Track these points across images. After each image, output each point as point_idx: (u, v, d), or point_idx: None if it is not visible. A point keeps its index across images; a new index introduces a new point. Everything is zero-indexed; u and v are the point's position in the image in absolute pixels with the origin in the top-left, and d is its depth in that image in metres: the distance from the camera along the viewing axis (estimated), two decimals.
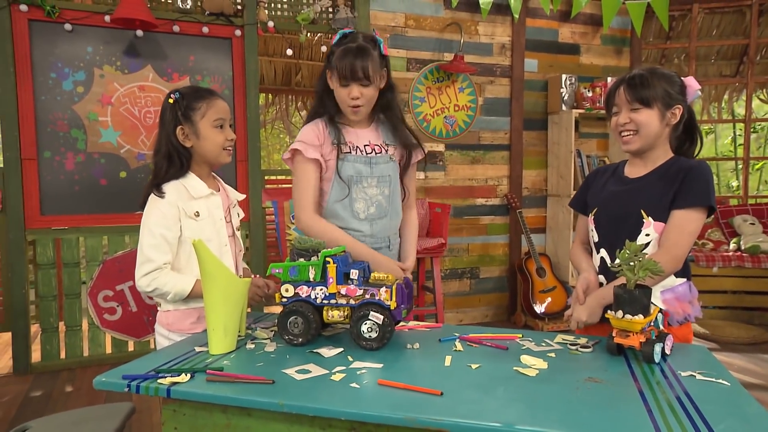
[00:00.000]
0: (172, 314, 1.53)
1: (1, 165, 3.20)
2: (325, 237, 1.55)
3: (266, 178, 3.77)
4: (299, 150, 1.65)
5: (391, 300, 1.30)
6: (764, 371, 3.35)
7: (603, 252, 1.58)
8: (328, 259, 1.34)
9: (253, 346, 1.34)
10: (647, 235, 1.49)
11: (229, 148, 1.60)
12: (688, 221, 1.45)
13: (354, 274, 1.34)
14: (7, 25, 3.11)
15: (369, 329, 1.30)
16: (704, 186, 1.45)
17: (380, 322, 1.29)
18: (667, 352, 1.26)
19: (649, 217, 1.49)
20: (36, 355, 3.35)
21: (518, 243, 4.44)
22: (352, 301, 1.33)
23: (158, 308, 1.56)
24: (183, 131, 1.53)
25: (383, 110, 1.74)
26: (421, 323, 1.56)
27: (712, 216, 1.45)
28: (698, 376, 1.14)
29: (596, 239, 1.61)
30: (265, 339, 1.39)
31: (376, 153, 1.73)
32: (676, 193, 1.46)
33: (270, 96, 5.55)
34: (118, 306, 3.37)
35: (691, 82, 1.52)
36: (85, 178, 3.32)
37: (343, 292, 1.33)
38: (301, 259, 1.39)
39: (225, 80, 3.58)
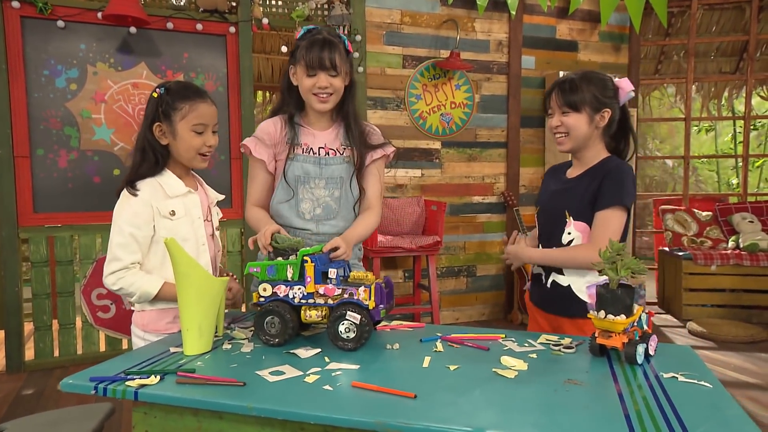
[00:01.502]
0: (148, 314, 1.51)
1: None
2: (251, 223, 1.67)
3: None
4: (248, 147, 1.69)
5: (369, 299, 1.28)
6: (762, 370, 3.31)
7: (541, 247, 1.71)
8: (306, 258, 1.32)
9: (229, 346, 1.32)
10: (569, 233, 1.59)
11: (207, 153, 1.54)
12: (608, 220, 1.54)
13: (332, 273, 1.32)
14: None
15: (346, 329, 1.28)
16: (619, 187, 1.54)
17: (358, 322, 1.27)
18: (651, 352, 1.24)
19: (570, 217, 1.59)
20: (30, 353, 3.34)
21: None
22: (330, 301, 1.31)
23: (132, 308, 1.54)
24: (160, 128, 1.49)
25: (345, 108, 1.71)
26: (405, 323, 1.54)
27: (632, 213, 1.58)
28: (681, 378, 1.12)
29: (537, 235, 1.76)
30: (243, 339, 1.37)
31: (329, 156, 1.70)
32: (596, 195, 1.56)
33: (267, 93, 5.53)
34: (111, 304, 3.36)
35: (623, 84, 1.60)
36: (78, 176, 3.31)
37: (321, 291, 1.31)
38: (280, 258, 1.37)
39: (219, 77, 3.56)
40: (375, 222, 1.73)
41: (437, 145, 4.20)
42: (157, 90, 1.50)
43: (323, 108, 1.66)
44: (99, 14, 3.21)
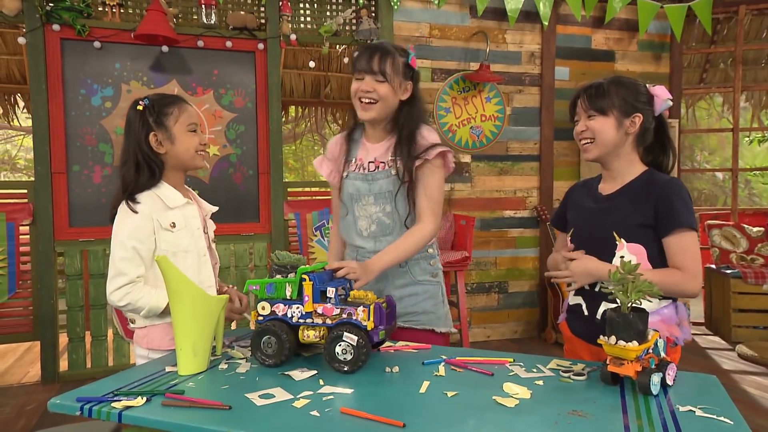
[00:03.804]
0: (152, 331, 1.50)
1: (33, 179, 3.30)
2: None
3: (289, 190, 3.76)
4: (315, 165, 1.80)
5: (368, 320, 1.24)
6: None
7: None
8: (304, 276, 1.29)
9: (226, 366, 1.30)
10: (622, 257, 1.42)
11: (203, 152, 1.57)
12: (686, 245, 1.40)
13: (330, 292, 1.28)
14: (41, 45, 3.22)
15: (343, 351, 1.23)
16: (682, 207, 1.39)
17: (355, 344, 1.22)
18: (669, 382, 1.14)
19: (622, 239, 1.43)
20: (64, 365, 3.42)
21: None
22: (328, 321, 1.27)
23: (130, 325, 1.53)
24: (156, 137, 1.49)
25: (400, 123, 1.61)
26: (411, 344, 1.48)
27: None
28: (698, 412, 1.02)
29: None
30: (241, 359, 1.34)
31: (379, 169, 1.64)
32: (658, 220, 1.40)
33: (300, 109, 5.57)
34: None
35: (659, 92, 1.46)
36: (111, 191, 3.37)
37: (319, 310, 1.27)
38: (279, 276, 1.34)
39: (248, 93, 3.61)
40: (421, 235, 1.58)
41: (467, 158, 4.12)
42: (141, 102, 1.50)
43: (365, 116, 1.59)
44: (132, 34, 3.30)
